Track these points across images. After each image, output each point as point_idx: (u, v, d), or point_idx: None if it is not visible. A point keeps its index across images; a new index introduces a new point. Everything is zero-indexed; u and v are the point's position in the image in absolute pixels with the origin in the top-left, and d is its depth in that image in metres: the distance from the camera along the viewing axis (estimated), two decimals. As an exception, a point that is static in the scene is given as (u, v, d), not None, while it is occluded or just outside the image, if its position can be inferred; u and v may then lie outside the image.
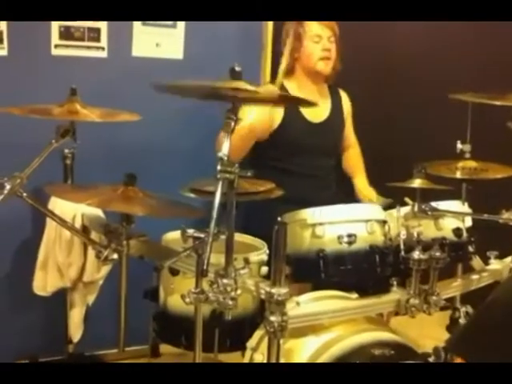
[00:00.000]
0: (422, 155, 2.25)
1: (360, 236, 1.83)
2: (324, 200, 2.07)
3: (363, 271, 1.84)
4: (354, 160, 2.79)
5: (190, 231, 1.71)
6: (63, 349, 2.46)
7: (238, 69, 1.64)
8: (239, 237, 2.21)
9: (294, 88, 2.58)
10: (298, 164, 2.55)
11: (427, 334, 2.54)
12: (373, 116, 2.95)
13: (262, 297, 1.66)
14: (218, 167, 1.58)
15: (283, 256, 1.61)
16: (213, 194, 1.57)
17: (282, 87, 2.57)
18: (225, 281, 1.61)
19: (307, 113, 2.55)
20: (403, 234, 1.85)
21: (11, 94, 2.37)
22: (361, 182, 2.70)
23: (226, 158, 1.58)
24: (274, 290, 1.60)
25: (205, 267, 1.53)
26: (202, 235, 1.66)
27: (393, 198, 2.03)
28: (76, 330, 2.46)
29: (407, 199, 2.04)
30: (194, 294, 1.65)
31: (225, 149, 1.59)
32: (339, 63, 2.61)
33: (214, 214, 1.55)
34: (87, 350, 2.50)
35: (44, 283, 2.37)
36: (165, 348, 2.35)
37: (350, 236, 1.82)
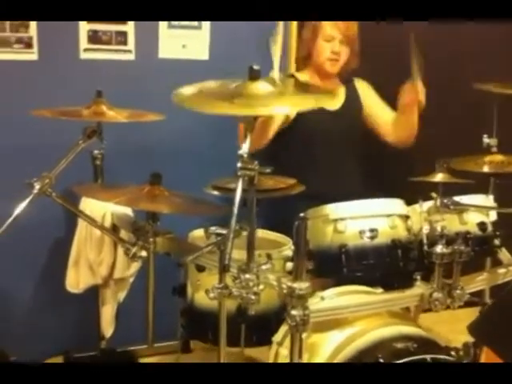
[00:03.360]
0: (448, 150, 2.25)
1: (382, 231, 1.83)
2: (346, 191, 2.09)
3: (386, 266, 1.84)
4: None
5: (213, 228, 1.74)
6: (96, 345, 2.53)
7: (256, 68, 1.67)
8: (265, 233, 2.25)
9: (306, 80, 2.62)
10: (318, 154, 2.58)
11: (457, 329, 2.52)
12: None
13: (284, 291, 1.69)
14: (238, 164, 1.62)
15: (304, 251, 1.63)
16: (234, 191, 1.61)
17: (295, 78, 2.61)
18: (247, 276, 1.64)
19: None
20: (426, 229, 1.85)
21: (41, 97, 2.45)
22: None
23: (245, 156, 1.61)
24: (295, 285, 1.63)
25: (226, 262, 1.57)
26: (224, 232, 1.70)
27: (416, 193, 2.02)
28: (108, 326, 2.52)
29: (433, 194, 2.03)
30: (217, 289, 1.69)
31: (245, 146, 1.62)
32: (356, 62, 2.63)
33: (235, 210, 1.58)
34: (119, 345, 2.55)
35: (76, 280, 2.44)
36: (195, 344, 2.40)
37: (371, 231, 1.82)
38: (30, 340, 2.59)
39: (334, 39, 2.54)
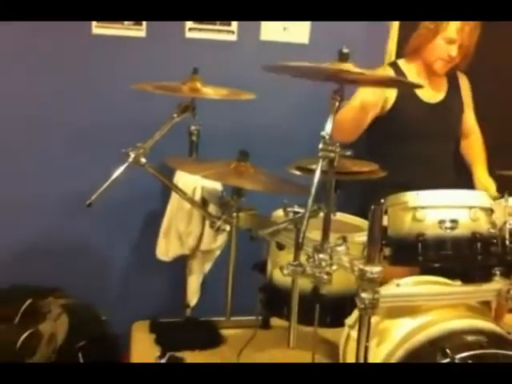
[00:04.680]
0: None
1: (462, 222, 1.80)
2: (434, 185, 2.06)
3: (464, 258, 1.80)
4: (474, 147, 2.72)
5: (292, 207, 1.79)
6: (181, 312, 2.65)
7: (345, 51, 1.68)
8: (344, 217, 2.27)
9: (409, 70, 2.58)
10: (414, 149, 2.54)
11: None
12: (496, 102, 2.85)
13: (355, 274, 1.70)
14: (320, 146, 1.65)
15: (378, 236, 1.64)
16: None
17: (396, 66, 2.59)
18: (321, 256, 1.68)
19: (422, 93, 2.53)
20: (510, 224, 1.80)
21: (146, 72, 2.59)
22: (480, 171, 2.62)
23: (327, 137, 1.64)
24: (367, 268, 1.64)
25: (300, 240, 1.61)
26: (302, 210, 1.74)
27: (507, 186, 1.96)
28: (193, 296, 2.63)
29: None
30: (291, 267, 1.73)
31: (327, 128, 1.65)
32: (465, 64, 2.57)
33: (313, 190, 1.62)
34: (202, 315, 2.65)
35: (166, 250, 2.56)
36: (275, 321, 2.46)
37: (452, 221, 1.80)
38: (121, 303, 2.75)
39: (454, 43, 2.46)
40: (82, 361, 2.48)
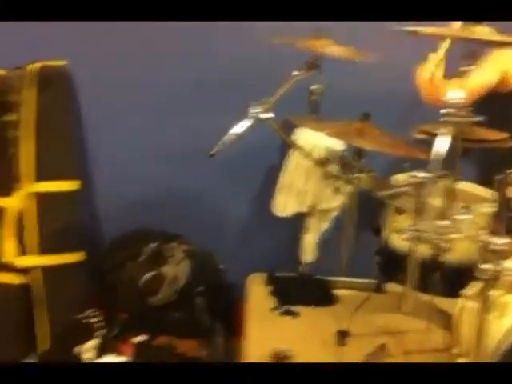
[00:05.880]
0: None
1: None
2: None
3: None
4: None
5: (415, 172, 1.74)
6: (295, 269, 2.68)
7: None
8: (471, 187, 2.18)
9: None
10: None
11: None
12: None
13: (479, 244, 1.65)
14: (447, 110, 1.59)
15: (504, 207, 1.57)
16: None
17: None
18: (441, 223, 1.64)
19: None
20: None
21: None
22: None
23: (455, 102, 1.58)
24: (491, 239, 1.58)
25: (420, 205, 1.58)
26: (425, 175, 1.69)
27: None
28: (308, 253, 2.65)
29: None
30: (409, 231, 1.70)
31: (457, 93, 1.59)
32: None
33: (439, 155, 1.58)
34: (316, 273, 2.67)
35: (284, 206, 2.59)
36: (390, 286, 2.44)
37: None
38: (237, 254, 2.83)
39: None
40: (199, 306, 2.60)
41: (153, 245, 2.66)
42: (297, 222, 2.65)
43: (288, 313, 2.41)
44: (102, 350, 2.43)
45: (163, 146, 2.74)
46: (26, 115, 2.53)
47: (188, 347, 2.50)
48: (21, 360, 2.56)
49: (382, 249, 2.19)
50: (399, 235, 1.75)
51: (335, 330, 2.19)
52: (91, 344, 2.44)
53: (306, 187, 2.50)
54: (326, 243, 2.68)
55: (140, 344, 2.48)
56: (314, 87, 2.30)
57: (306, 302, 2.47)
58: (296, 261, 2.69)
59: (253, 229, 2.86)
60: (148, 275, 2.57)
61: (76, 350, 2.41)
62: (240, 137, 2.03)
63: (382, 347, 2.07)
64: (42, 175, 2.57)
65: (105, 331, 2.50)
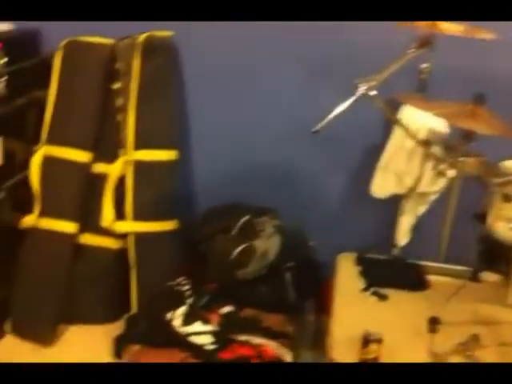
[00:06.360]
0: None
1: None
2: None
3: None
4: None
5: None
6: (387, 251, 2.63)
7: None
8: None
9: None
10: None
11: None
12: None
13: None
14: None
15: None
16: None
17: None
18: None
19: None
20: None
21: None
22: None
23: None
24: None
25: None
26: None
27: None
28: (403, 236, 2.60)
29: None
30: (520, 221, 1.63)
31: None
32: None
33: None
34: (409, 257, 2.62)
35: (382, 187, 2.53)
36: (486, 276, 2.36)
37: None
38: (328, 231, 2.79)
39: None
40: (288, 281, 2.60)
41: (245, 218, 2.67)
42: (392, 204, 2.59)
43: (377, 295, 2.38)
44: (189, 318, 2.47)
45: (263, 121, 2.73)
46: (132, 84, 2.58)
47: (274, 321, 2.51)
48: (115, 321, 2.65)
49: (485, 237, 2.11)
50: (506, 224, 1.67)
51: (426, 316, 2.14)
52: (180, 311, 2.49)
53: (407, 168, 2.44)
54: (422, 227, 2.61)
55: (227, 314, 2.51)
56: (424, 65, 2.23)
57: (397, 286, 2.43)
58: (388, 243, 2.63)
59: (346, 208, 2.82)
60: (239, 248, 2.58)
61: (168, 315, 2.47)
62: (344, 114, 1.99)
63: (475, 337, 2.01)
64: (142, 143, 2.62)
65: (193, 300, 2.54)
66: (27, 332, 2.57)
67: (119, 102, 2.62)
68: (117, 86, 2.61)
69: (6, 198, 2.50)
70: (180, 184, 2.79)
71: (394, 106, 2.29)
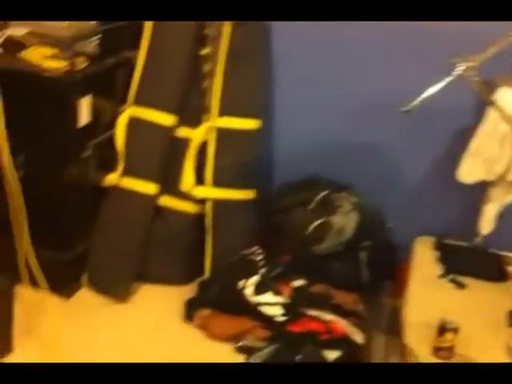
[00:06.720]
0: None
1: None
2: None
3: None
4: None
5: None
6: (468, 238, 2.54)
7: None
8: None
9: None
10: None
11: None
12: None
13: None
14: None
15: None
16: None
17: None
18: None
19: None
20: None
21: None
22: None
23: None
24: None
25: None
26: None
27: None
28: (486, 225, 2.50)
29: None
30: None
31: None
32: None
33: None
34: (491, 246, 2.53)
35: (470, 172, 2.43)
36: None
37: None
38: (408, 214, 2.73)
39: None
40: (362, 260, 2.57)
41: (323, 193, 2.64)
42: (478, 190, 2.50)
43: (455, 282, 2.33)
44: (261, 288, 2.49)
45: (351, 97, 2.67)
46: (220, 50, 2.57)
47: (346, 299, 2.49)
48: (187, 284, 2.69)
49: None
50: None
51: (506, 309, 2.08)
52: (252, 280, 2.50)
53: (499, 154, 2.33)
54: (508, 216, 2.51)
55: (298, 288, 2.51)
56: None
57: (477, 275, 2.37)
58: (469, 231, 2.55)
59: (428, 191, 2.73)
60: (316, 223, 2.56)
61: (240, 283, 2.48)
62: (435, 95, 1.92)
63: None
64: (226, 111, 2.62)
65: (266, 270, 2.55)
66: (102, 286, 2.64)
67: (206, 67, 2.61)
68: (205, 51, 2.60)
69: (91, 155, 2.55)
70: (260, 155, 2.78)
71: (490, 89, 2.18)
